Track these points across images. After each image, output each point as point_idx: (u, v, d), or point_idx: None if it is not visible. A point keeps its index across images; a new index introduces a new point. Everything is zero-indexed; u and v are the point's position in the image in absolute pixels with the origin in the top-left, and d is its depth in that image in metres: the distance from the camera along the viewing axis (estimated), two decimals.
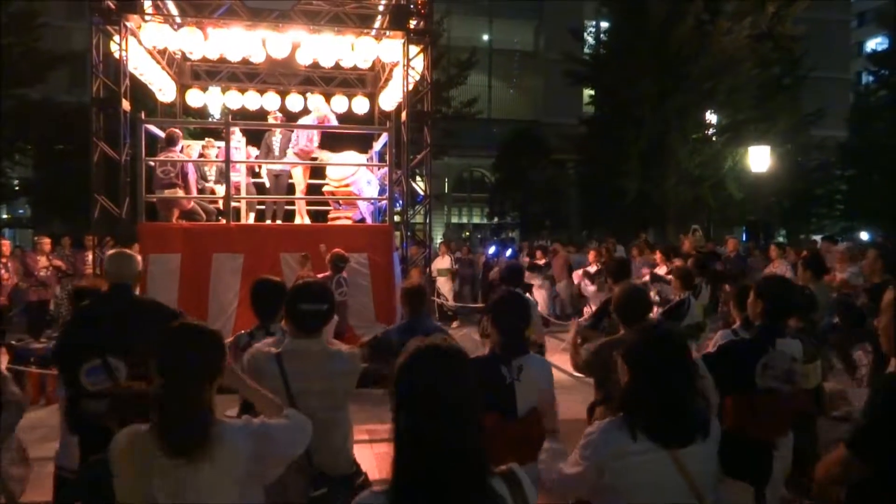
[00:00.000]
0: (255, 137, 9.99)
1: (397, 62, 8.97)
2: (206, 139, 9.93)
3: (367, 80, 11.40)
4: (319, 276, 6.75)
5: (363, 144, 10.83)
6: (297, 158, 9.25)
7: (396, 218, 8.95)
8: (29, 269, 10.64)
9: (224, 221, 8.11)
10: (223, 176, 8.23)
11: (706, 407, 2.17)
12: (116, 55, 8.19)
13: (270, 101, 10.89)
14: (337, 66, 9.62)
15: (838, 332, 5.67)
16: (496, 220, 29.01)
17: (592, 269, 11.09)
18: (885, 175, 24.48)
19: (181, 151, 8.85)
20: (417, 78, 9.22)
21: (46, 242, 11.10)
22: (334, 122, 9.87)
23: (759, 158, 16.76)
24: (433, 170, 10.17)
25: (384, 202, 8.92)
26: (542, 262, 13.95)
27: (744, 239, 24.13)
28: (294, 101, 10.88)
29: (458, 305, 13.70)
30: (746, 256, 12.33)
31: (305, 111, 10.39)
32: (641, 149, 20.20)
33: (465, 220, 33.87)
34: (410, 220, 9.41)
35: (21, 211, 26.67)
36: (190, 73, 11.04)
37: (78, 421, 3.30)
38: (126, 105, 8.17)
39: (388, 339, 4.15)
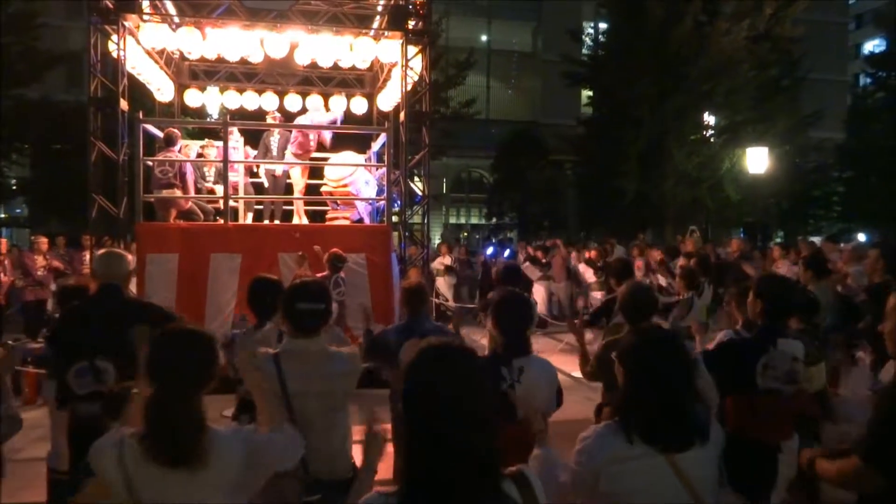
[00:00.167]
0: (254, 137, 9.97)
1: (396, 62, 8.96)
2: (207, 140, 9.91)
3: (366, 81, 11.39)
4: (318, 275, 6.73)
5: (361, 145, 10.81)
6: (296, 158, 9.24)
7: (394, 218, 8.93)
8: (26, 268, 10.60)
9: (222, 221, 8.09)
10: (221, 176, 8.22)
11: (706, 410, 2.10)
12: (114, 55, 8.17)
13: (269, 101, 10.87)
14: (335, 67, 9.59)
15: (839, 332, 5.66)
16: (494, 220, 29.00)
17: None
18: (882, 177, 24.55)
19: (179, 151, 8.83)
20: (416, 78, 9.21)
21: (43, 242, 11.06)
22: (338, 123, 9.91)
23: (757, 160, 16.78)
24: (431, 170, 10.17)
25: (382, 202, 8.90)
26: (542, 261, 14.01)
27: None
28: (292, 101, 10.86)
29: (457, 306, 13.69)
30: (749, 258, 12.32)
31: (304, 111, 10.38)
32: (640, 150, 20.21)
33: (463, 221, 33.84)
34: (408, 221, 9.40)
35: (18, 210, 26.64)
36: (188, 72, 11.01)
37: (69, 423, 3.26)
38: (124, 105, 8.15)
39: (386, 339, 4.10)
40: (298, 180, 9.51)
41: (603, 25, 25.58)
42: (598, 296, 11.29)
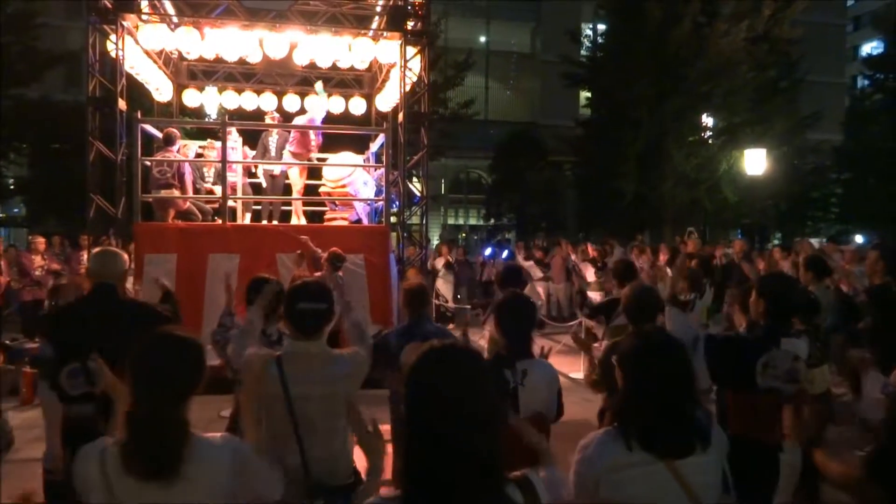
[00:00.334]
0: (252, 138, 9.96)
1: (394, 63, 8.95)
2: (208, 140, 9.90)
3: (365, 81, 11.38)
4: (316, 275, 6.72)
5: (360, 145, 10.81)
6: (294, 158, 9.22)
7: (393, 219, 8.92)
8: (24, 268, 10.58)
9: (220, 221, 8.07)
10: (220, 176, 8.20)
11: (707, 414, 2.04)
12: (113, 54, 8.16)
13: (267, 101, 10.86)
14: (334, 67, 9.58)
15: (839, 333, 5.65)
16: (493, 221, 28.98)
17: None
18: (880, 178, 24.61)
19: (178, 151, 8.81)
20: (414, 79, 9.20)
21: (41, 242, 11.05)
22: (318, 122, 9.74)
23: (755, 161, 16.77)
24: (430, 171, 10.15)
25: (381, 203, 8.89)
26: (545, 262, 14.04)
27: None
28: (291, 102, 10.84)
29: (456, 307, 13.69)
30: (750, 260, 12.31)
31: (302, 111, 10.36)
32: (638, 151, 20.21)
33: (461, 222, 33.83)
34: (407, 222, 9.39)
35: (16, 210, 26.58)
36: (187, 72, 11.00)
37: (62, 424, 3.23)
38: (122, 104, 8.14)
39: (387, 342, 4.08)
40: (297, 180, 9.50)
41: (602, 26, 25.57)
42: (596, 297, 11.27)
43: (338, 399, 2.76)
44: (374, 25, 9.50)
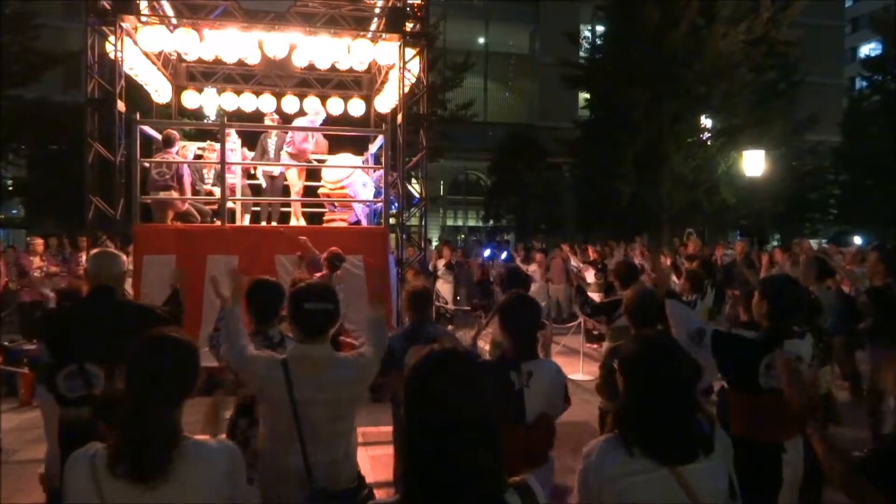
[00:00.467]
0: (251, 139, 9.95)
1: (393, 65, 8.94)
2: (208, 142, 9.89)
3: (363, 83, 11.37)
4: (317, 276, 6.71)
5: (359, 147, 10.79)
6: (292, 159, 9.21)
7: (392, 220, 8.91)
8: (23, 269, 10.57)
9: (219, 223, 8.06)
10: (219, 178, 8.19)
11: (709, 419, 2.02)
12: (112, 56, 8.14)
13: (266, 102, 10.85)
14: (333, 69, 9.57)
15: (840, 334, 5.66)
16: (491, 222, 29.00)
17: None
18: (878, 180, 24.64)
19: (177, 153, 8.81)
20: (413, 80, 9.19)
21: (39, 243, 11.05)
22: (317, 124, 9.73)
23: (754, 163, 16.80)
24: (429, 172, 10.13)
25: (380, 204, 8.88)
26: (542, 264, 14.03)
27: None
28: (290, 103, 10.84)
29: (456, 308, 13.70)
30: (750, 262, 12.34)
31: (301, 113, 10.35)
32: (636, 152, 20.22)
33: (460, 223, 33.84)
34: (406, 223, 9.38)
35: (15, 211, 26.55)
36: (185, 74, 10.98)
37: (60, 427, 3.21)
38: (121, 106, 8.12)
39: (390, 346, 4.07)
40: (296, 182, 9.49)
41: (600, 29, 25.59)
42: (595, 298, 11.27)
43: (342, 404, 2.73)
44: (373, 27, 9.49)
